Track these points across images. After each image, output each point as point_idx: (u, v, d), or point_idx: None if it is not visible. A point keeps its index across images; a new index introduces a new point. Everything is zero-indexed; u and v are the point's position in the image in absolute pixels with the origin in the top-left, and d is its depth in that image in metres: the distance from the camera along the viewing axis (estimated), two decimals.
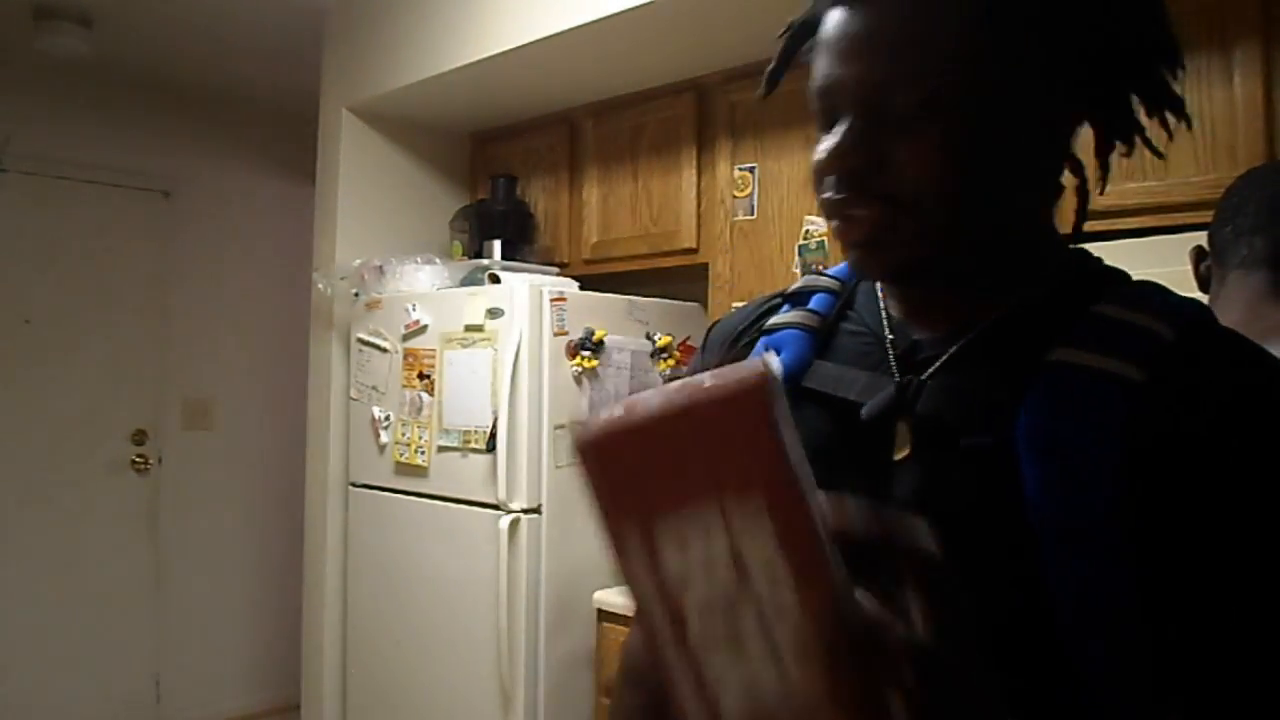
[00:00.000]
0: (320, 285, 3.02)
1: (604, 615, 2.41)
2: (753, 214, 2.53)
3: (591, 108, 2.93)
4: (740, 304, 0.87)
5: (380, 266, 2.88)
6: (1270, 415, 0.58)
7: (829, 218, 0.66)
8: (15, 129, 3.36)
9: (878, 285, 0.75)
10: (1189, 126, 0.71)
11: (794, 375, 0.72)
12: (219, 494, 3.87)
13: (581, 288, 2.66)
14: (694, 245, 2.66)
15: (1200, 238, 1.33)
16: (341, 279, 2.96)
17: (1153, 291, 0.66)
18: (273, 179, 4.02)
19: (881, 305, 0.73)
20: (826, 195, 0.65)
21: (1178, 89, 0.70)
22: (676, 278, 2.83)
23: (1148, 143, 0.70)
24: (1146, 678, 0.57)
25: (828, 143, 0.64)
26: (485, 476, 2.47)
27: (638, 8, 2.22)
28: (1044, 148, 0.66)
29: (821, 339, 0.74)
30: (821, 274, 0.80)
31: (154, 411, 3.73)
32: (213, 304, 3.87)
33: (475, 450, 2.51)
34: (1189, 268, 1.36)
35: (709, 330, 0.86)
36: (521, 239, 3.01)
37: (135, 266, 3.69)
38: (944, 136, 0.61)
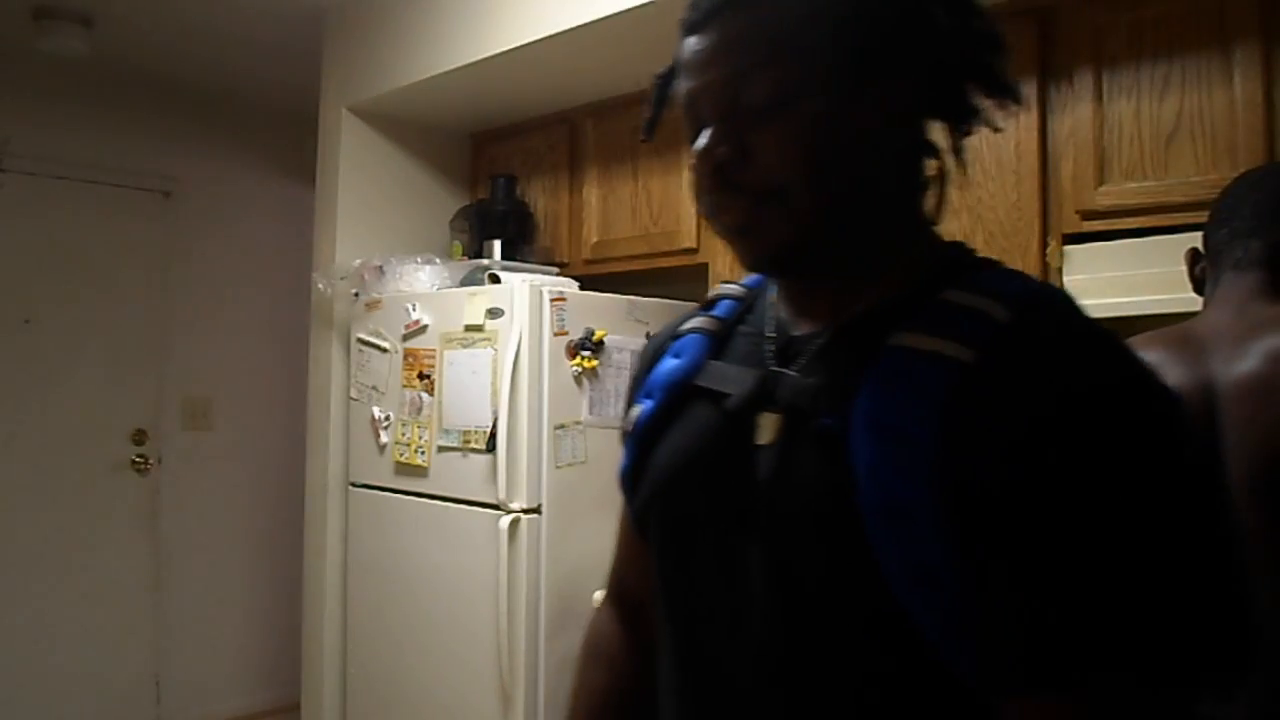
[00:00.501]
0: (320, 285, 3.02)
1: None
2: None
3: (591, 108, 2.93)
4: None
5: (380, 266, 2.88)
6: (1086, 395, 0.59)
7: (709, 217, 0.72)
8: (15, 129, 3.36)
9: (772, 289, 0.80)
10: (1017, 105, 0.74)
11: (688, 375, 0.79)
12: (219, 494, 3.87)
13: (581, 288, 2.66)
14: (694, 245, 2.66)
15: (1199, 238, 1.34)
16: (341, 279, 2.96)
17: (1004, 277, 0.70)
18: (273, 179, 4.02)
19: (772, 307, 0.79)
20: (702, 197, 0.71)
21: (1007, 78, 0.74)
22: (676, 278, 2.83)
23: (991, 125, 0.74)
24: (979, 638, 0.59)
25: (697, 146, 0.70)
26: (485, 476, 2.47)
27: (637, 8, 2.22)
28: (897, 140, 0.71)
29: (719, 341, 0.81)
30: (734, 283, 0.87)
31: (154, 411, 3.73)
32: (213, 304, 3.87)
33: (475, 450, 2.51)
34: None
35: (646, 344, 0.93)
36: (521, 239, 3.01)
37: (135, 267, 3.69)
38: (797, 128, 0.66)
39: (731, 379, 0.76)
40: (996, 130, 0.74)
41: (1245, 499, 1.08)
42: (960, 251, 0.75)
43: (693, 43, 0.72)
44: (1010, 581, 0.58)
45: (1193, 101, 1.83)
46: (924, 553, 0.60)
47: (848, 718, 0.66)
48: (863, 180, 0.69)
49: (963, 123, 0.73)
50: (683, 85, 0.73)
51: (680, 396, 0.79)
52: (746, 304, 0.83)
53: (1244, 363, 1.13)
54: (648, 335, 2.65)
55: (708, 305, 0.86)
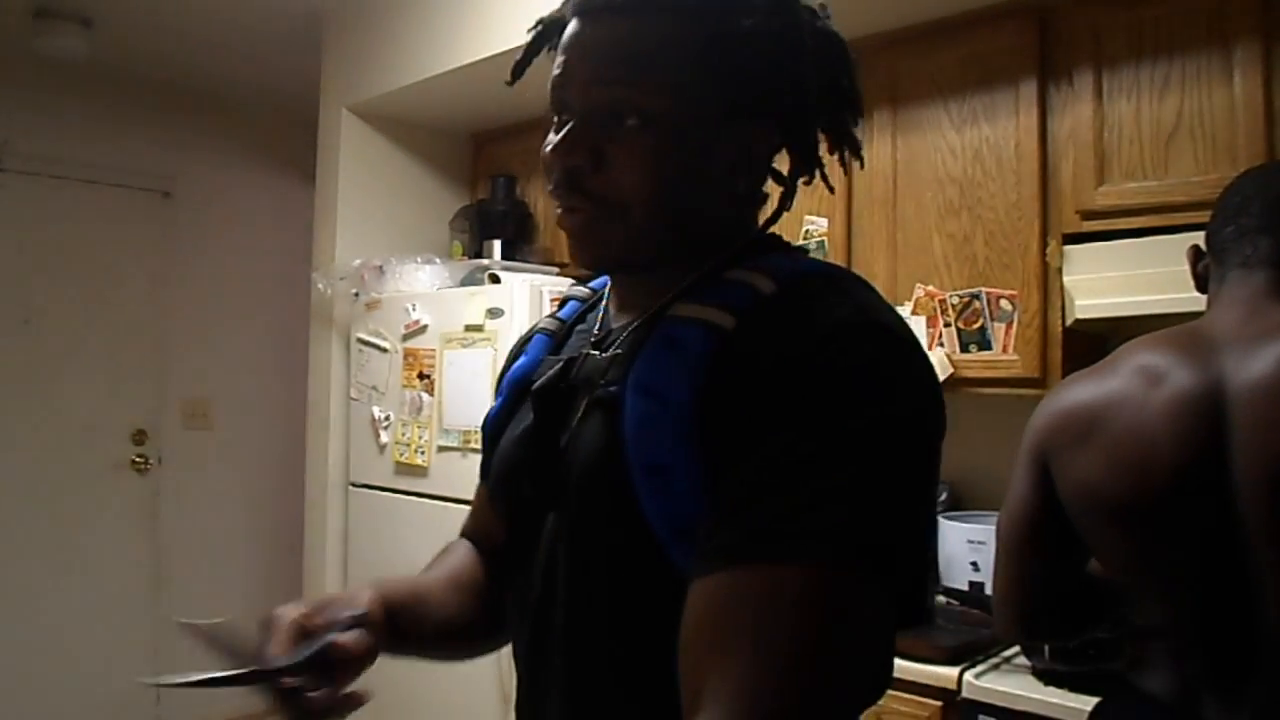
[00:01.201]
0: (320, 285, 3.02)
1: None
2: None
3: None
4: None
5: (380, 266, 2.88)
6: (809, 346, 0.63)
7: (556, 206, 0.75)
8: (15, 129, 3.36)
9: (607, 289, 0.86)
10: (861, 165, 0.80)
11: (528, 372, 0.85)
12: (219, 494, 3.87)
13: None
14: None
15: (1200, 238, 1.33)
16: (341, 279, 2.96)
17: (791, 259, 0.75)
18: (273, 179, 4.02)
19: (604, 303, 0.85)
20: (550, 188, 0.74)
21: (858, 134, 0.80)
22: None
23: (824, 178, 0.80)
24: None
25: (553, 138, 0.74)
26: None
27: None
28: (743, 167, 0.75)
29: (559, 339, 0.87)
30: (581, 284, 0.93)
31: (154, 411, 3.73)
32: (212, 304, 3.87)
33: (475, 450, 2.50)
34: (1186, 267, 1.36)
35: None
36: (521, 239, 3.01)
37: (135, 266, 3.69)
38: (655, 148, 0.70)
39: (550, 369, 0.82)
40: (830, 189, 0.80)
41: (1265, 501, 1.07)
42: (770, 241, 0.79)
43: (578, 27, 0.74)
44: (720, 489, 0.62)
45: (1193, 101, 1.83)
46: (682, 506, 0.64)
47: (618, 653, 0.72)
48: (702, 204, 0.74)
49: (804, 168, 0.78)
50: (558, 61, 0.76)
51: (522, 392, 0.85)
52: (589, 304, 0.89)
53: (1259, 365, 1.11)
54: None
55: (559, 305, 0.93)
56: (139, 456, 3.66)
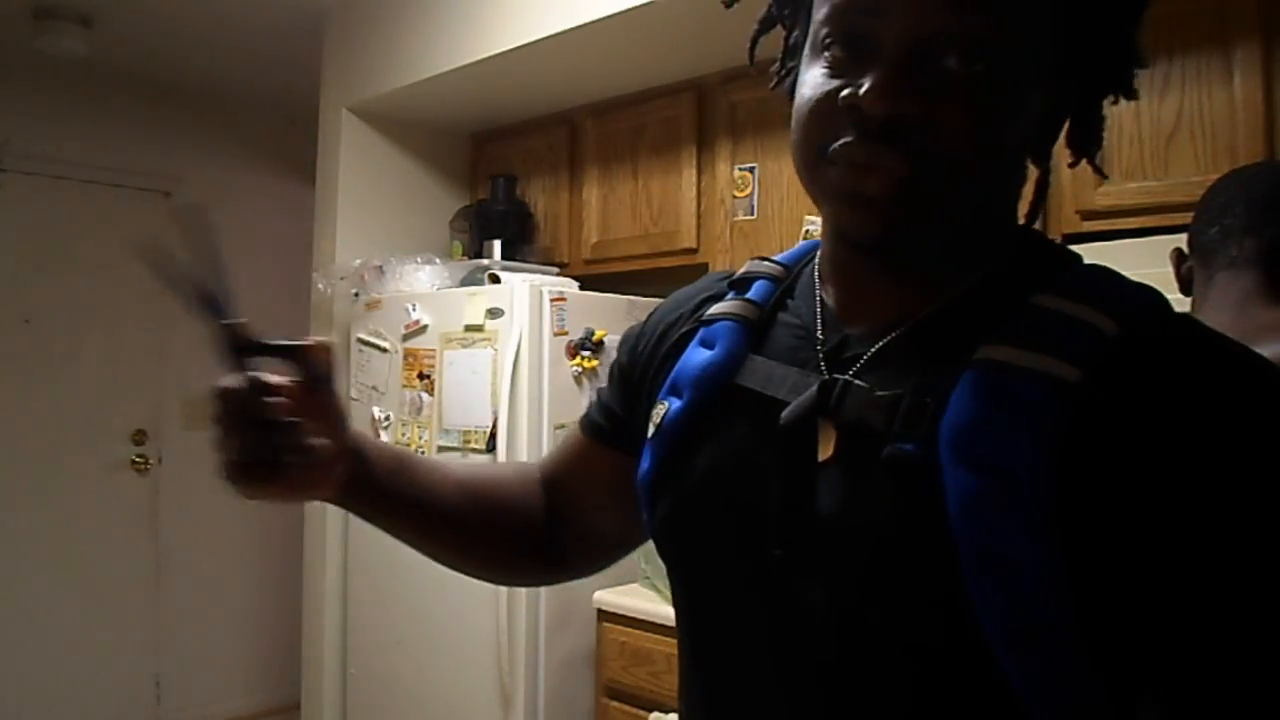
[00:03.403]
0: (320, 285, 3.02)
1: (604, 615, 2.41)
2: (753, 214, 2.53)
3: (591, 108, 2.93)
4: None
5: (380, 266, 2.88)
6: (1228, 422, 0.52)
7: (834, 160, 0.58)
8: (15, 129, 3.36)
9: (816, 272, 0.71)
10: (1101, 147, 0.68)
11: (727, 372, 0.68)
12: (219, 494, 3.81)
13: (581, 288, 2.66)
14: (694, 245, 2.66)
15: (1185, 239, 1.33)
16: (341, 279, 2.96)
17: (1100, 277, 0.61)
18: (273, 179, 4.02)
19: (817, 294, 0.69)
20: (845, 140, 0.57)
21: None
22: (676, 278, 2.79)
23: (1091, 162, 0.68)
24: (1084, 694, 0.53)
25: (874, 78, 0.56)
26: None
27: (638, 8, 2.22)
28: (1041, 134, 0.64)
29: (757, 331, 0.70)
30: (767, 260, 0.76)
31: (154, 411, 3.72)
32: None
33: (475, 450, 2.51)
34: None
35: (653, 311, 0.82)
36: (521, 239, 3.01)
37: (135, 266, 3.68)
38: (987, 103, 0.56)
39: (779, 381, 0.65)
40: (1101, 175, 0.69)
41: None
42: (1039, 241, 0.67)
43: None
44: (1191, 654, 0.52)
45: (1193, 101, 1.83)
46: (1027, 607, 0.52)
47: None
48: (1010, 173, 0.63)
49: (1089, 135, 0.66)
50: None
51: (715, 396, 0.68)
52: (785, 287, 0.72)
53: None
54: None
55: (739, 285, 0.74)
56: (139, 456, 3.66)
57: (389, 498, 0.79)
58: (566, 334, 2.49)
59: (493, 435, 2.45)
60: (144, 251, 0.64)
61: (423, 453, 2.64)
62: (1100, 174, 0.68)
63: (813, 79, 0.60)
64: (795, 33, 0.68)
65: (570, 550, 0.88)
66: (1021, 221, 0.67)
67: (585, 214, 2.94)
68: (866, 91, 0.55)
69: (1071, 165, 0.67)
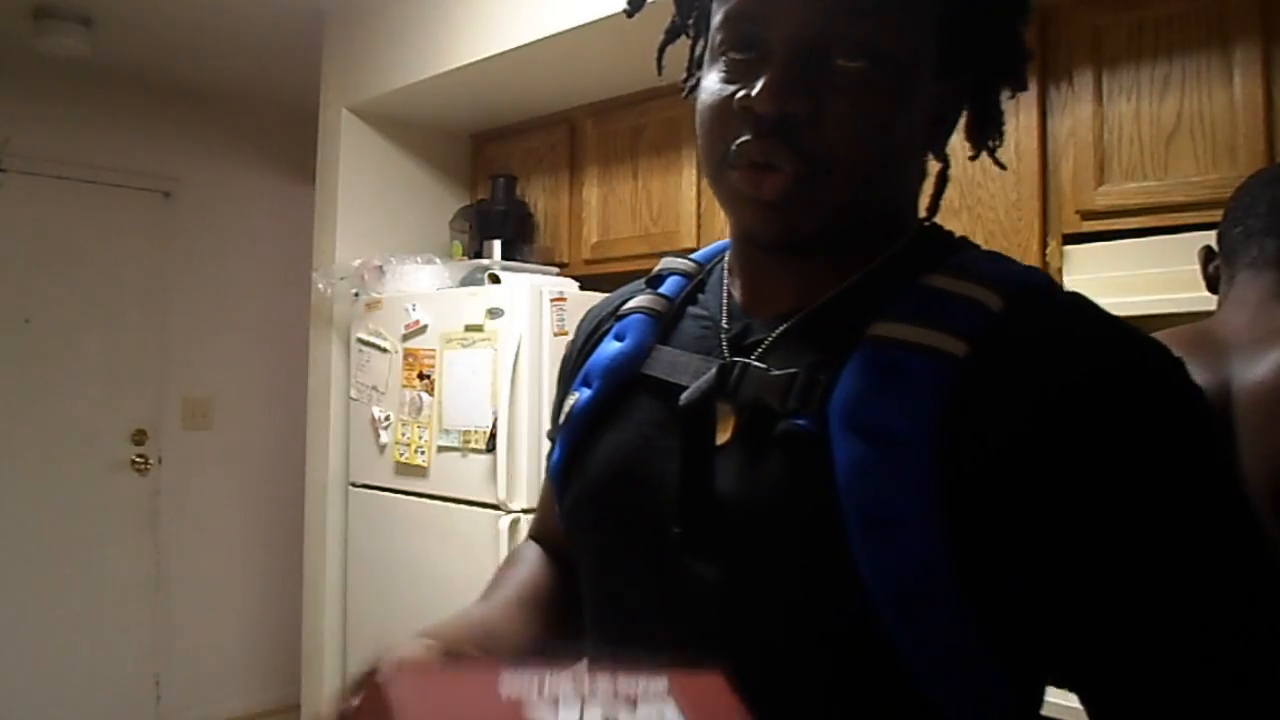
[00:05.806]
0: (320, 285, 3.02)
1: None
2: None
3: (591, 108, 2.93)
4: None
5: (380, 266, 2.88)
6: (1108, 392, 0.54)
7: (732, 165, 0.61)
8: (15, 129, 3.36)
9: (725, 268, 0.73)
10: (1000, 141, 0.70)
11: (633, 361, 0.71)
12: (219, 494, 3.87)
13: (581, 288, 2.66)
14: (694, 245, 2.66)
15: (1200, 238, 1.33)
16: (341, 279, 2.96)
17: (989, 259, 0.63)
18: (273, 179, 4.02)
19: (724, 286, 0.71)
20: (743, 139, 0.59)
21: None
22: None
23: (992, 155, 0.69)
24: (967, 657, 0.55)
25: (765, 80, 0.58)
26: (485, 476, 2.47)
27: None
28: (940, 133, 0.66)
29: (666, 324, 0.73)
30: (682, 257, 0.78)
31: (154, 411, 3.72)
32: (213, 304, 3.87)
33: (475, 450, 2.51)
34: (1195, 267, 1.36)
35: (581, 321, 0.85)
36: (521, 239, 3.01)
37: (135, 266, 3.69)
38: (872, 98, 0.58)
39: (682, 368, 0.67)
40: (1000, 166, 0.71)
41: (1268, 503, 1.06)
42: (937, 232, 0.69)
43: None
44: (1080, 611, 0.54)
45: (1193, 101, 1.83)
46: (911, 563, 0.54)
47: None
48: (900, 175, 0.65)
49: (987, 128, 0.68)
50: None
51: (623, 385, 0.71)
52: (697, 281, 0.75)
53: (1259, 369, 1.12)
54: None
55: (653, 281, 0.77)
56: (139, 457, 3.66)
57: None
58: (566, 334, 2.49)
59: (493, 435, 2.45)
60: None
61: (423, 453, 2.64)
62: (999, 165, 0.70)
63: (711, 85, 0.63)
64: (700, 42, 0.71)
65: None
66: (924, 214, 0.69)
67: (585, 214, 2.95)
68: (758, 93, 0.58)
69: (972, 158, 0.70)
